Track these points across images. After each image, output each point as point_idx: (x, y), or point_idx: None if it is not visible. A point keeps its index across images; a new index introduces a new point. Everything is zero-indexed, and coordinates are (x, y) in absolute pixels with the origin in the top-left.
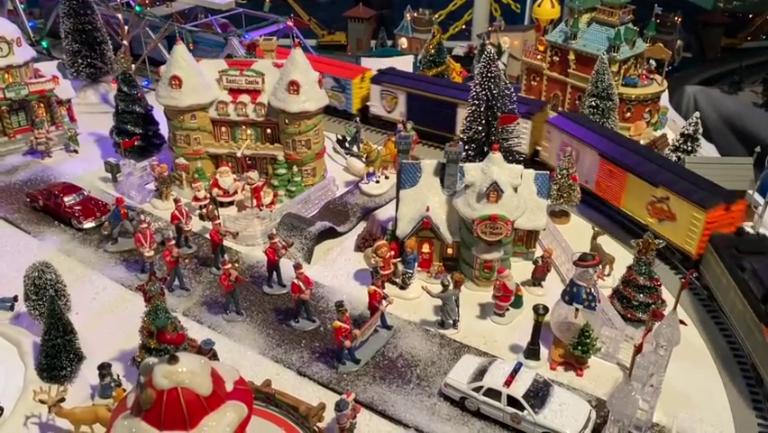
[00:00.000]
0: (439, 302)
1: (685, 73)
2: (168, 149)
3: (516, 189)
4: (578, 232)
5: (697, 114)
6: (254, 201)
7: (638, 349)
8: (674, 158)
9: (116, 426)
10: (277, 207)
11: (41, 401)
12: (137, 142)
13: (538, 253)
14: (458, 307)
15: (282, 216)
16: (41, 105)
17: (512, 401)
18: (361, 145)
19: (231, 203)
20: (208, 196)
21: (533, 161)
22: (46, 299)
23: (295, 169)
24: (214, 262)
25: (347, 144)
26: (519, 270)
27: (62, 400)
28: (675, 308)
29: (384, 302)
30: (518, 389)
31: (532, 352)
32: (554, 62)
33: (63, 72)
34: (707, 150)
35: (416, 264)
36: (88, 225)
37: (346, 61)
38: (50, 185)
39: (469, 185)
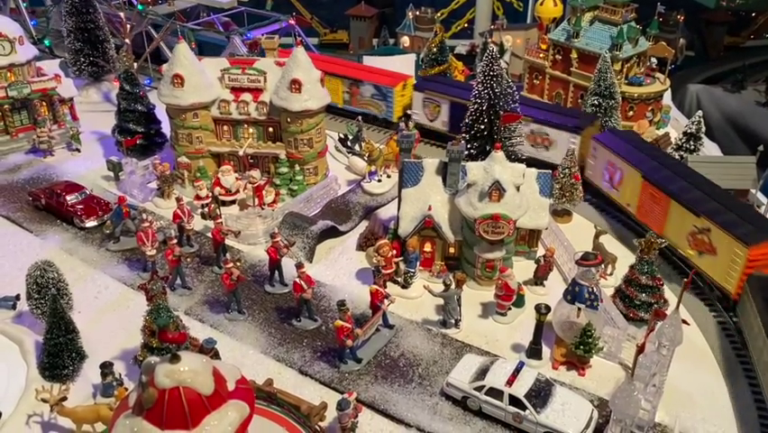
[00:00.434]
0: (441, 301)
1: (688, 72)
2: (170, 147)
3: (518, 188)
4: (580, 231)
5: (700, 112)
6: (256, 200)
7: (641, 349)
8: (677, 157)
9: (118, 425)
10: (279, 205)
11: (43, 400)
12: (139, 140)
13: (540, 252)
14: (460, 306)
15: (284, 215)
16: (44, 103)
17: (514, 401)
18: (363, 144)
19: (233, 202)
20: (210, 195)
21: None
22: (48, 297)
23: (297, 167)
24: (216, 261)
25: (349, 143)
26: (521, 269)
27: (64, 398)
28: (678, 307)
29: (386, 301)
30: (520, 388)
31: (534, 351)
32: (557, 61)
33: (65, 71)
34: (709, 149)
35: (418, 263)
36: (90, 223)
37: (383, 69)
38: (52, 184)
39: (471, 184)
